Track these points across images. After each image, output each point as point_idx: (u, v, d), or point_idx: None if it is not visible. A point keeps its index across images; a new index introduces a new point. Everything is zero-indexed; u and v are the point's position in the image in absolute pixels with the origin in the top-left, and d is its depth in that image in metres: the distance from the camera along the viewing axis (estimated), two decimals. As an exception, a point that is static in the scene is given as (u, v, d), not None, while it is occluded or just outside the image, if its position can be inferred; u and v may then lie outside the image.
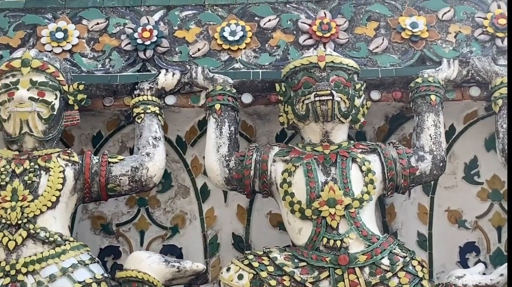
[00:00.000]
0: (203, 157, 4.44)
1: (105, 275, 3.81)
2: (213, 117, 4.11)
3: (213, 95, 4.15)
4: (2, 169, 3.87)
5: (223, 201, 4.55)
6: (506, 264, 3.85)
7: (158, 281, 3.79)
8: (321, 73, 3.98)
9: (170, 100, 4.34)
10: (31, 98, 3.92)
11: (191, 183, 4.54)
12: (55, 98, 3.97)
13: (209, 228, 4.53)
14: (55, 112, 3.98)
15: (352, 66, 4.01)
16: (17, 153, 3.96)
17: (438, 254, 4.38)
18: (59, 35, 4.42)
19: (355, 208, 3.79)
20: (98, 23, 4.52)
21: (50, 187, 3.82)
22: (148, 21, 4.51)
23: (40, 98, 3.93)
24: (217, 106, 4.12)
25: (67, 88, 4.07)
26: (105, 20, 4.54)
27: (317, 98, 3.90)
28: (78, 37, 4.47)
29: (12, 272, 3.66)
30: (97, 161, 3.97)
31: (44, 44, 4.43)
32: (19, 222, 3.75)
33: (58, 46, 4.42)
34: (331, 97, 3.88)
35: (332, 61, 3.97)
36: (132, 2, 4.62)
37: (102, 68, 4.38)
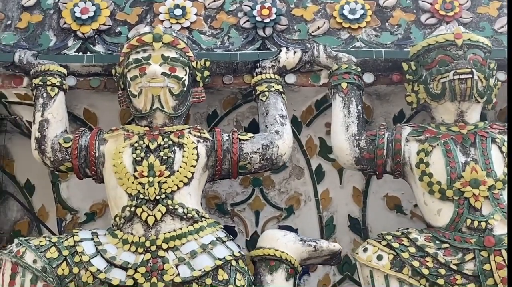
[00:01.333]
0: (318, 138, 4.38)
1: (241, 252, 3.71)
2: (339, 96, 4.04)
3: (338, 74, 4.08)
4: (136, 145, 3.80)
5: (338, 182, 4.49)
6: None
7: (296, 260, 3.71)
8: (457, 51, 3.91)
9: (290, 79, 4.27)
10: (163, 74, 3.85)
11: (306, 163, 4.48)
12: (185, 74, 3.91)
13: (324, 209, 4.46)
14: (185, 88, 3.91)
15: (487, 45, 3.95)
16: (147, 128, 3.87)
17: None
18: (178, 12, 4.34)
19: (498, 189, 3.72)
20: (214, 1, 4.42)
21: (186, 163, 3.75)
22: (263, -2, 4.40)
23: (172, 74, 3.86)
24: (344, 84, 4.05)
25: (195, 65, 3.97)
26: (215, -3, 4.42)
27: (456, 77, 3.82)
28: (196, 14, 4.35)
29: (153, 248, 3.59)
30: (227, 138, 3.90)
31: (163, 21, 4.35)
32: (157, 197, 3.68)
33: (177, 23, 4.34)
34: (470, 76, 3.81)
35: (469, 39, 3.90)
36: (245, -20, 4.49)
37: (221, 45, 4.30)
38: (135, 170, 3.73)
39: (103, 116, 4.33)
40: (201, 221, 3.70)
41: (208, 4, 4.44)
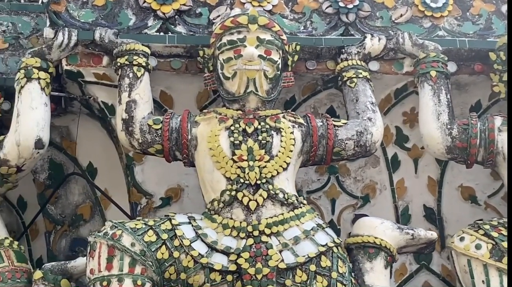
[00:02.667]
0: (395, 127, 4.35)
1: (340, 239, 3.66)
2: (428, 85, 4.00)
3: (426, 62, 4.05)
4: (232, 128, 3.71)
5: (414, 171, 4.45)
6: None
7: (394, 248, 3.66)
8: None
9: (374, 66, 4.23)
10: (259, 56, 3.75)
11: (382, 152, 4.44)
12: (279, 58, 3.83)
13: (399, 199, 4.43)
14: (278, 72, 3.84)
15: None
16: (240, 112, 3.78)
17: None
18: (260, -6, 4.21)
19: None
20: (296, -16, 4.32)
21: (284, 147, 3.68)
22: (345, -16, 4.34)
23: (267, 57, 3.79)
24: (433, 73, 4.03)
25: (287, 48, 3.89)
26: (299, -19, 4.34)
27: None
28: (276, -3, 4.25)
29: (255, 233, 3.52)
30: (321, 123, 3.82)
31: (244, 3, 4.26)
32: (258, 182, 3.61)
33: (259, 5, 4.26)
34: None
35: None
36: (325, -35, 4.42)
37: (304, 30, 4.24)
38: (234, 154, 3.64)
39: (179, 99, 4.23)
40: (300, 207, 3.61)
41: (292, -13, 4.32)
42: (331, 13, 4.28)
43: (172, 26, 4.15)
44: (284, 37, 3.88)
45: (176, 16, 4.19)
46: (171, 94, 4.23)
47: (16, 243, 3.86)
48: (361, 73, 4.03)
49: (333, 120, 3.87)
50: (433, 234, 3.76)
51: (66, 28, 4.00)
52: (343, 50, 4.13)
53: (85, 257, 3.67)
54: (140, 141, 3.78)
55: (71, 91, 4.25)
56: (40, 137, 3.80)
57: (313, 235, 3.56)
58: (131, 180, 4.23)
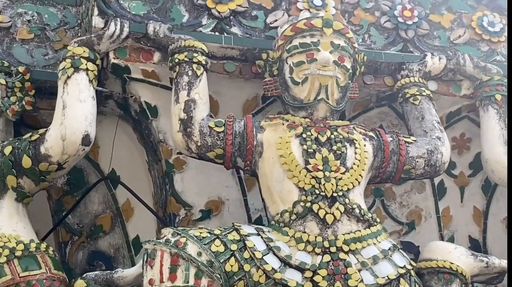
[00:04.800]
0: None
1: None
2: (494, 108, 3.87)
3: (491, 85, 3.91)
4: (304, 135, 3.44)
5: (460, 200, 4.28)
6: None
7: (469, 275, 3.44)
8: None
9: (432, 86, 4.08)
10: (334, 62, 3.50)
11: (428, 178, 4.20)
12: (350, 66, 3.58)
13: (445, 227, 4.25)
14: (349, 81, 3.61)
15: None
16: (308, 120, 3.52)
17: None
18: (317, 2, 4.06)
19: None
20: (350, -6, 4.13)
21: (359, 160, 3.44)
22: (401, 0, 4.17)
23: (341, 63, 3.54)
24: (498, 96, 3.91)
25: (357, 57, 3.67)
26: (355, -8, 4.16)
27: None
28: (334, 8, 4.05)
29: (332, 249, 3.25)
30: (391, 138, 3.59)
31: (301, 10, 4.03)
32: (334, 194, 3.32)
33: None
34: None
35: None
36: (379, -21, 4.26)
37: (363, 43, 4.05)
38: (307, 163, 3.35)
39: (225, 105, 3.94)
40: (375, 225, 3.35)
41: (346, -1, 4.11)
42: (389, 28, 4.10)
43: (227, 27, 3.88)
44: (356, 45, 3.65)
45: (231, 17, 3.89)
46: (217, 99, 3.92)
47: (51, 248, 3.45)
48: (424, 91, 3.84)
49: (403, 136, 3.60)
50: (506, 263, 3.50)
51: (118, 19, 3.63)
52: (404, 66, 3.93)
53: (134, 268, 3.26)
54: (198, 144, 3.44)
55: (110, 88, 3.83)
56: (88, 133, 3.43)
57: (391, 256, 3.30)
58: (169, 189, 3.88)
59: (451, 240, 4.20)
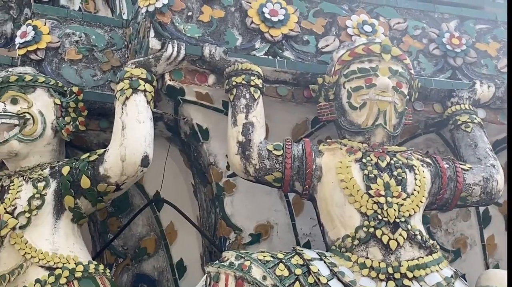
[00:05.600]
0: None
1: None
2: (542, 138, 3.85)
3: None
4: (364, 160, 3.44)
5: (504, 228, 4.26)
6: None
7: (526, 303, 3.42)
8: None
9: (481, 113, 4.08)
10: (392, 88, 3.51)
11: (474, 206, 4.21)
12: (407, 92, 3.59)
13: (490, 256, 4.25)
14: (406, 107, 3.61)
15: None
16: (365, 145, 3.52)
17: None
18: (367, 28, 4.07)
19: None
20: (399, 23, 4.17)
21: (419, 186, 3.44)
22: (448, 28, 4.20)
23: (399, 89, 3.55)
24: (548, 128, 3.88)
25: (413, 84, 3.69)
26: (404, 20, 4.19)
27: None
28: (383, 34, 4.07)
29: (397, 276, 3.24)
30: (447, 165, 3.60)
31: (351, 36, 4.03)
32: (397, 220, 3.32)
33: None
34: None
35: None
36: (425, 7, 4.32)
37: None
38: (369, 188, 3.34)
39: (275, 129, 3.93)
40: (436, 252, 3.34)
41: (393, 26, 4.16)
42: (438, 55, 4.12)
43: (280, 51, 3.89)
44: (412, 71, 3.65)
45: (284, 41, 3.90)
46: (267, 123, 3.90)
47: (107, 270, 3.40)
48: (475, 118, 3.86)
49: (459, 163, 3.61)
50: None
51: (175, 41, 3.63)
52: (454, 93, 3.94)
53: None
54: (257, 167, 3.43)
55: (162, 110, 3.82)
56: (147, 154, 3.42)
57: (453, 283, 3.28)
58: (219, 212, 3.86)
59: (496, 268, 4.14)
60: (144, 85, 3.53)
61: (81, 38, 4.23)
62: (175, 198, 4.16)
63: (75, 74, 4.09)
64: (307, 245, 3.93)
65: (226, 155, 3.83)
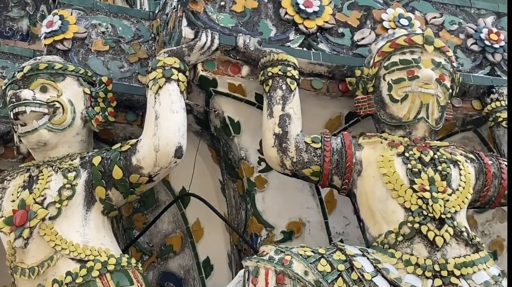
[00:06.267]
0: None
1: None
2: None
3: None
4: (407, 154, 3.30)
5: (541, 230, 4.09)
6: None
7: None
8: None
9: (515, 112, 3.91)
10: (436, 80, 3.38)
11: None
12: (450, 85, 3.47)
13: (524, 260, 4.04)
14: (448, 101, 3.48)
15: None
16: (407, 139, 3.39)
17: None
18: (404, 22, 3.96)
19: None
20: (435, 17, 4.05)
21: (465, 182, 3.31)
22: (485, 23, 4.08)
23: (442, 82, 3.42)
24: None
25: (455, 77, 3.56)
26: (440, 15, 4.07)
27: None
28: (420, 28, 3.95)
29: (444, 273, 3.10)
30: (491, 161, 3.47)
31: (387, 29, 3.91)
32: (443, 216, 3.18)
33: (402, 32, 3.89)
34: None
35: None
36: (461, 2, 4.21)
37: (451, 65, 3.90)
38: (413, 182, 3.21)
39: (307, 124, 3.77)
40: (482, 250, 3.20)
41: (430, 20, 4.04)
42: (476, 51, 4.00)
43: (315, 43, 3.76)
44: (455, 64, 3.51)
45: (318, 33, 3.77)
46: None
47: (140, 264, 3.25)
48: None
49: (502, 160, 3.48)
50: None
51: (209, 30, 3.50)
52: (493, 90, 3.81)
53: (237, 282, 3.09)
54: (294, 160, 3.30)
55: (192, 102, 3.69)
56: (181, 145, 3.28)
57: (501, 282, 3.13)
58: (251, 208, 3.72)
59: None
60: (177, 75, 3.39)
61: (108, 29, 4.11)
62: (201, 194, 4.02)
63: (102, 65, 3.96)
64: (340, 244, 3.76)
65: (258, 149, 3.71)
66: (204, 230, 4.08)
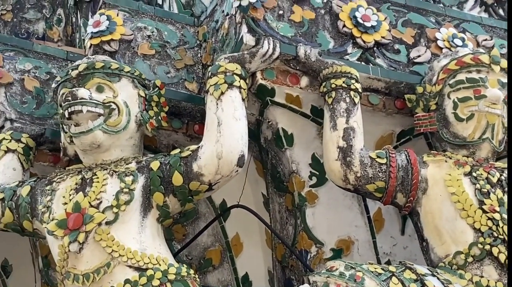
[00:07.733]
0: None
1: None
2: None
3: None
4: (475, 174, 3.24)
5: None
6: None
7: None
8: None
9: None
10: (503, 101, 3.34)
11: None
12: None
13: None
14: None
15: None
16: (471, 159, 3.33)
17: None
18: (458, 42, 3.91)
19: None
20: (486, 39, 4.02)
21: None
22: (533, 49, 4.07)
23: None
24: None
25: (516, 99, 3.52)
26: (490, 37, 4.04)
27: None
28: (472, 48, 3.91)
29: None
30: None
31: (441, 48, 3.85)
32: (512, 237, 3.10)
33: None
34: None
35: None
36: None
37: (503, 88, 3.86)
38: (482, 203, 3.13)
39: (361, 139, 3.68)
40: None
41: (481, 42, 3.99)
42: (523, 76, 3.91)
43: (372, 58, 3.68)
44: (503, 88, 3.47)
45: (375, 48, 3.69)
46: (351, 133, 3.66)
47: (196, 275, 3.12)
48: None
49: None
50: None
51: (270, 38, 3.41)
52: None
53: None
54: (358, 175, 3.21)
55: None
56: (244, 154, 3.17)
57: None
58: (301, 223, 3.61)
59: None
60: (239, 81, 3.28)
61: (153, 33, 4.00)
62: (242, 209, 3.88)
63: (149, 70, 3.84)
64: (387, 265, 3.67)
65: (309, 163, 3.60)
66: (244, 245, 3.96)
